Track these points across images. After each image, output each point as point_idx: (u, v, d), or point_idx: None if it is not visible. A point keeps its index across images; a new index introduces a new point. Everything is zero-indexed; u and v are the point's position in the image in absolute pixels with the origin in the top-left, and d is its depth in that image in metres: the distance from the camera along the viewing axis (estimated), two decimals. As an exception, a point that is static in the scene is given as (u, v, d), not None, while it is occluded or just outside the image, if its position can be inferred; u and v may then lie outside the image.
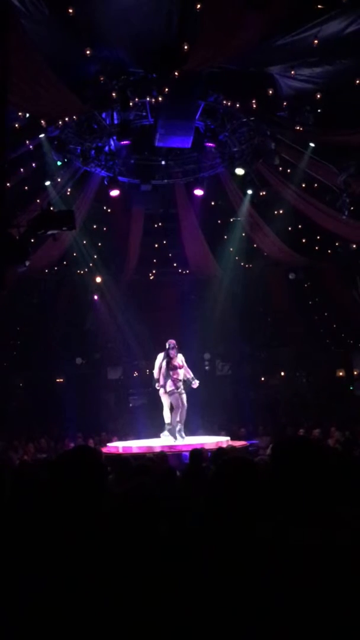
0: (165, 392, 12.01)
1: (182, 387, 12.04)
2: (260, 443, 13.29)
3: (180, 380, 11.93)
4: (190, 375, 12.04)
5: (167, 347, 11.95)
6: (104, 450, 11.71)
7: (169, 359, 11.92)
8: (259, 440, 13.97)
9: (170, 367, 11.90)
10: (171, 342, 11.99)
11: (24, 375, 18.84)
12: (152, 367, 12.37)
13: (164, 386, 11.97)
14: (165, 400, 12.24)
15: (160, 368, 12.00)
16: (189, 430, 12.73)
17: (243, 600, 1.76)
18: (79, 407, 16.20)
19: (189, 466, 6.86)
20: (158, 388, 12.13)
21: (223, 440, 12.16)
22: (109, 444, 13.00)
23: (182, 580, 1.85)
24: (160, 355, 12.08)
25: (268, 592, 1.74)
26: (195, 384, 11.99)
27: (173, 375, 11.87)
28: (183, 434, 12.07)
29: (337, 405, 16.89)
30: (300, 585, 1.73)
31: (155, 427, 14.07)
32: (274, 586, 1.75)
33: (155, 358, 12.44)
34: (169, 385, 11.90)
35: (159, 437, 12.92)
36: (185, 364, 12.08)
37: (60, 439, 14.77)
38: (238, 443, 12.41)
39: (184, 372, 12.02)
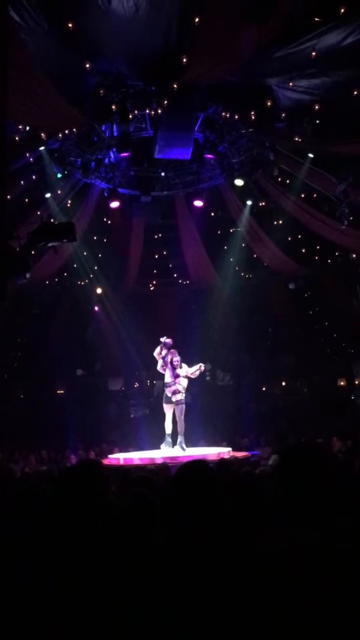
0: (172, 402, 12.08)
1: (183, 397, 12.11)
2: (262, 453, 13.24)
3: (182, 386, 12.06)
4: (192, 370, 12.16)
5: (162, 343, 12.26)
6: (105, 461, 11.68)
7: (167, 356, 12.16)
8: (261, 450, 13.93)
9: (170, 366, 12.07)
10: (167, 342, 12.25)
11: (25, 386, 18.82)
12: (153, 378, 12.48)
13: (170, 386, 12.07)
14: (168, 411, 12.26)
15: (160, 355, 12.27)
16: (190, 441, 12.71)
17: (239, 609, 1.76)
18: (79, 418, 16.16)
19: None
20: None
21: (224, 451, 12.13)
22: (110, 456, 12.96)
23: (178, 590, 1.85)
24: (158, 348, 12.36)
25: (262, 599, 1.74)
26: (202, 367, 12.25)
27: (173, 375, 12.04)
28: (184, 446, 12.06)
29: (339, 415, 16.86)
30: (294, 593, 1.73)
31: (157, 437, 14.05)
32: (268, 593, 1.74)
33: (155, 369, 12.58)
34: (179, 395, 12.00)
35: (159, 448, 12.92)
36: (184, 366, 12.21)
37: (61, 450, 14.73)
38: (240, 454, 12.38)
39: (186, 373, 12.13)
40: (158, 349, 12.33)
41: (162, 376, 12.77)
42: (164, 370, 12.23)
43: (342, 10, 7.82)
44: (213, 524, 1.95)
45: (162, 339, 12.28)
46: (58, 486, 2.31)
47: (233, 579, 1.81)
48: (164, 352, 12.21)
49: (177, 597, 1.78)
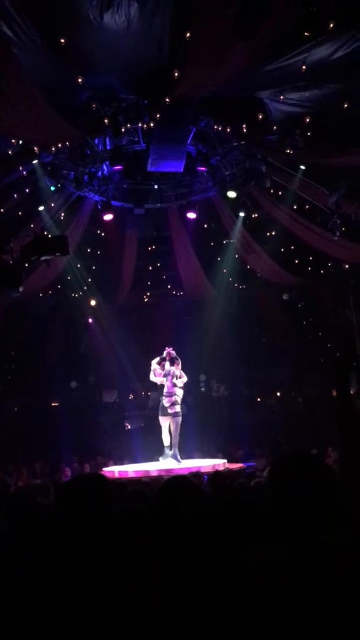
0: (169, 413, 12.10)
1: (180, 408, 12.14)
2: (258, 465, 13.19)
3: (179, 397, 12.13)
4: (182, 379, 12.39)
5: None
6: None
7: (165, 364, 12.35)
8: (256, 462, 13.88)
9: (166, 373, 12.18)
10: (172, 352, 12.49)
11: (19, 399, 18.73)
12: (148, 390, 12.55)
13: (168, 396, 12.13)
14: (165, 423, 12.25)
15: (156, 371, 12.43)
16: (185, 453, 12.68)
17: (228, 622, 1.76)
18: (74, 431, 16.10)
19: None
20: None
21: (220, 463, 12.11)
22: (105, 468, 12.90)
23: (168, 607, 1.84)
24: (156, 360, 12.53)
25: (250, 612, 1.74)
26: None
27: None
28: (179, 458, 12.05)
29: (334, 425, 16.82)
30: (281, 606, 1.73)
31: (152, 450, 14.01)
32: (255, 607, 1.74)
33: (149, 380, 12.63)
34: (177, 407, 12.05)
35: (155, 460, 12.89)
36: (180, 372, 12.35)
37: (56, 463, 14.65)
38: (235, 465, 12.36)
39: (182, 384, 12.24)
40: (158, 359, 12.37)
41: (156, 387, 12.80)
42: (163, 380, 12.26)
43: (331, 25, 7.92)
44: (200, 539, 1.95)
45: (166, 349, 12.38)
46: (63, 499, 2.29)
47: (221, 593, 1.81)
48: (167, 364, 12.27)
49: (167, 613, 1.77)
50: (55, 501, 2.73)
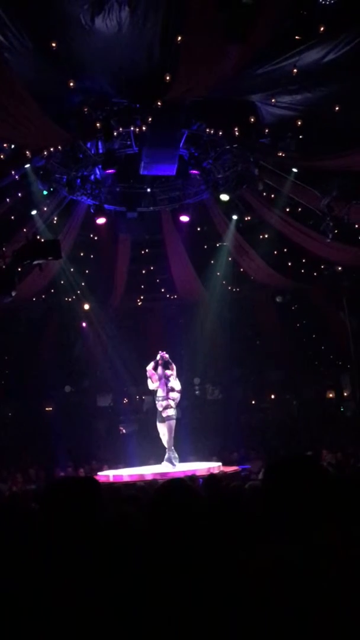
0: (164, 417, 12.09)
1: (174, 412, 12.12)
2: (252, 467, 13.20)
3: (174, 400, 12.11)
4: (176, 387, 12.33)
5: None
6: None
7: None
8: (251, 464, 13.88)
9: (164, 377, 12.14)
10: (165, 356, 12.43)
11: (13, 404, 18.67)
12: (142, 394, 12.51)
13: (162, 400, 12.10)
14: (162, 429, 12.23)
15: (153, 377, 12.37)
16: (180, 456, 12.67)
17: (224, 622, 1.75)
18: (69, 436, 16.07)
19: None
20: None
21: (214, 466, 12.09)
22: (99, 473, 12.87)
23: (163, 610, 1.84)
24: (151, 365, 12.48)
25: (245, 612, 1.74)
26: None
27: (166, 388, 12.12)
28: (174, 461, 12.03)
29: (328, 427, 16.88)
30: (276, 607, 1.73)
31: (147, 454, 13.99)
32: (251, 607, 1.74)
33: (144, 384, 12.58)
34: (170, 411, 12.02)
35: (150, 464, 12.88)
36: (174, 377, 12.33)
37: (51, 468, 14.61)
38: (230, 468, 12.35)
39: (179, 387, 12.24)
40: (152, 364, 12.33)
41: (151, 391, 12.79)
42: (158, 386, 12.23)
43: (322, 29, 7.96)
44: (195, 542, 1.95)
45: (160, 353, 12.34)
46: (46, 503, 2.28)
47: (217, 594, 1.80)
48: (159, 369, 12.23)
49: (162, 617, 1.77)
50: (40, 504, 2.72)
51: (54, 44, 8.06)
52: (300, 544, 1.90)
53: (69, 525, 2.08)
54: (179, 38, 8.05)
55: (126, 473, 12.18)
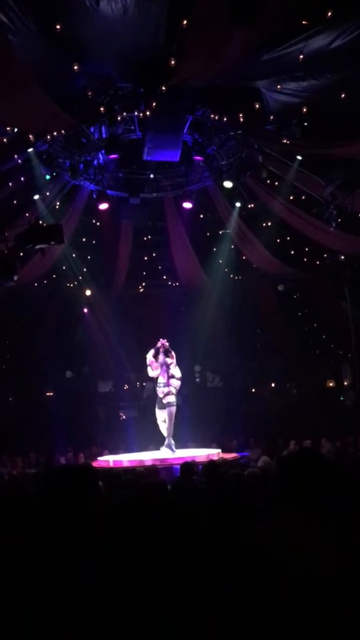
0: (164, 403, 12.14)
1: (174, 399, 12.17)
2: (252, 455, 13.26)
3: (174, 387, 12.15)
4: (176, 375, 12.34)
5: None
6: (95, 464, 11.67)
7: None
8: (250, 452, 13.94)
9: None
10: (165, 344, 12.48)
11: (14, 389, 18.71)
12: (143, 380, 12.56)
13: (163, 387, 12.13)
14: (161, 416, 12.29)
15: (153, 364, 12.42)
16: (179, 442, 12.73)
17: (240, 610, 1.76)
18: (69, 421, 16.12)
19: (180, 479, 6.83)
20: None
21: (214, 453, 12.15)
22: (99, 458, 12.93)
23: (173, 595, 1.84)
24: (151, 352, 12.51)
25: (250, 593, 1.75)
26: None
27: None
28: (173, 447, 12.10)
29: (328, 416, 16.92)
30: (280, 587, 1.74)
31: (147, 439, 14.05)
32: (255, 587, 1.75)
33: (144, 371, 12.62)
34: (170, 397, 12.06)
35: (149, 449, 12.93)
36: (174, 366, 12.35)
37: (51, 453, 14.67)
38: (229, 455, 12.40)
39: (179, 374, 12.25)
40: (152, 351, 12.36)
41: (151, 378, 12.81)
42: (158, 373, 12.28)
43: (329, 14, 7.86)
44: (196, 525, 1.96)
45: (160, 341, 12.38)
46: (47, 487, 2.28)
47: (218, 574, 1.81)
48: (160, 356, 12.27)
49: (162, 603, 1.77)
50: (38, 490, 2.73)
51: (58, 27, 7.97)
52: (304, 527, 1.93)
53: (66, 513, 2.08)
54: (185, 22, 7.97)
55: (126, 458, 12.24)
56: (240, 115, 10.99)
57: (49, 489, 2.24)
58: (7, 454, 13.68)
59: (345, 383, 19.91)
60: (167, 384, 12.18)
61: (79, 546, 2.00)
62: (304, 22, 8.07)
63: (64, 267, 16.08)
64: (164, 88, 9.78)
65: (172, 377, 12.23)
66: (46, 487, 2.28)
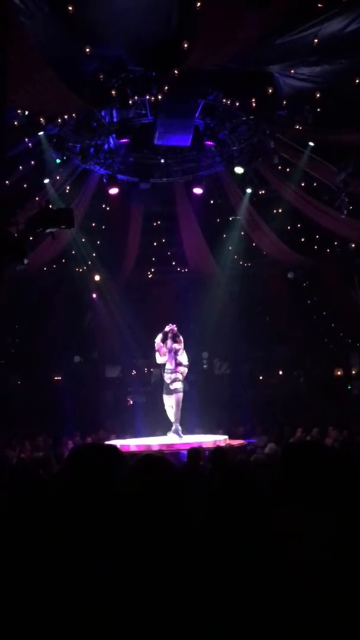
0: (171, 389, 12.16)
1: (181, 385, 12.19)
2: (258, 442, 13.28)
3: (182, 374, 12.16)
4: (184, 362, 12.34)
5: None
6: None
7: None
8: (257, 439, 13.96)
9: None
10: (173, 329, 12.43)
11: (22, 373, 18.82)
12: (151, 366, 12.54)
13: (171, 373, 12.14)
14: (168, 402, 12.31)
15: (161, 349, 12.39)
16: (187, 428, 12.77)
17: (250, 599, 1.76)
18: (77, 405, 16.18)
19: (187, 465, 6.86)
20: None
21: (221, 439, 12.18)
22: (107, 442, 12.99)
23: (184, 580, 1.84)
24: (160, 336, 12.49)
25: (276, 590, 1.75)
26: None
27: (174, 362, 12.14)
28: (180, 433, 12.14)
29: (335, 404, 16.91)
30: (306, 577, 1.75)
31: (154, 425, 14.10)
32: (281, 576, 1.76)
33: (152, 357, 12.62)
34: (177, 384, 12.08)
35: (157, 435, 12.98)
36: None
37: (58, 437, 14.75)
38: (236, 442, 12.43)
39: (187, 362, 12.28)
40: (161, 336, 12.36)
41: (158, 364, 12.83)
42: (166, 359, 12.27)
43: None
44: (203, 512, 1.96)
45: (169, 326, 12.36)
46: (74, 464, 2.24)
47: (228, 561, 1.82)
48: (168, 342, 12.26)
49: (181, 589, 1.77)
50: (63, 468, 2.70)
51: (70, 8, 7.91)
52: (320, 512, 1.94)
53: (90, 493, 2.05)
54: (198, 4, 7.88)
55: (133, 443, 12.30)
56: (253, 100, 10.89)
57: (77, 465, 2.21)
58: (15, 437, 13.77)
59: (353, 372, 19.87)
60: (175, 370, 12.19)
61: (101, 527, 1.97)
62: (319, 5, 7.95)
63: (73, 252, 16.07)
64: (176, 72, 9.69)
65: (180, 364, 12.22)
66: (74, 463, 2.26)
